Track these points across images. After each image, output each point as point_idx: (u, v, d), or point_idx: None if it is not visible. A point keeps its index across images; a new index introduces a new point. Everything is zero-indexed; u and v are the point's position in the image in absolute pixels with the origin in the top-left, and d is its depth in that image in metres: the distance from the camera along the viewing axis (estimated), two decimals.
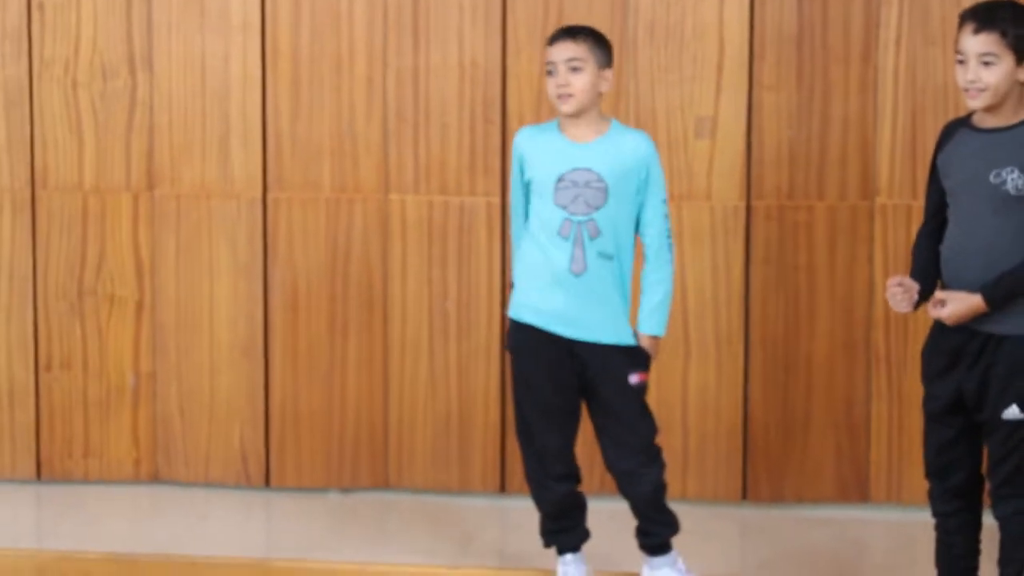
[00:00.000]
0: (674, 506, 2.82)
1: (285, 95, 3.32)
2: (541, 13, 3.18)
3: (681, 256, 3.17)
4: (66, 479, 3.52)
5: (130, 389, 3.48)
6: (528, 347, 2.66)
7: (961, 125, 2.47)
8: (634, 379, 2.66)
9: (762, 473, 3.27)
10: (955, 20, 2.40)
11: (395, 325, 3.34)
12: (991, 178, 2.37)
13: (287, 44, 3.30)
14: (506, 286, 2.98)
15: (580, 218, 2.62)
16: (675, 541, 2.74)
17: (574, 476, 2.76)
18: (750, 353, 3.22)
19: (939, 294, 2.43)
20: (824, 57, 3.18)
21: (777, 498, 3.27)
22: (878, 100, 3.16)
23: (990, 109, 2.39)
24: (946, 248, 2.45)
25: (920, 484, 2.63)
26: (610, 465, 2.72)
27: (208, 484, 3.48)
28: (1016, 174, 2.35)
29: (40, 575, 3.06)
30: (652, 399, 2.91)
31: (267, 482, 3.45)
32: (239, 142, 3.35)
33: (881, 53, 3.16)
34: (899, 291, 2.48)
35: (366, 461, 3.42)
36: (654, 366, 2.80)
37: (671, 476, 2.96)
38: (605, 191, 2.62)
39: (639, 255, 2.68)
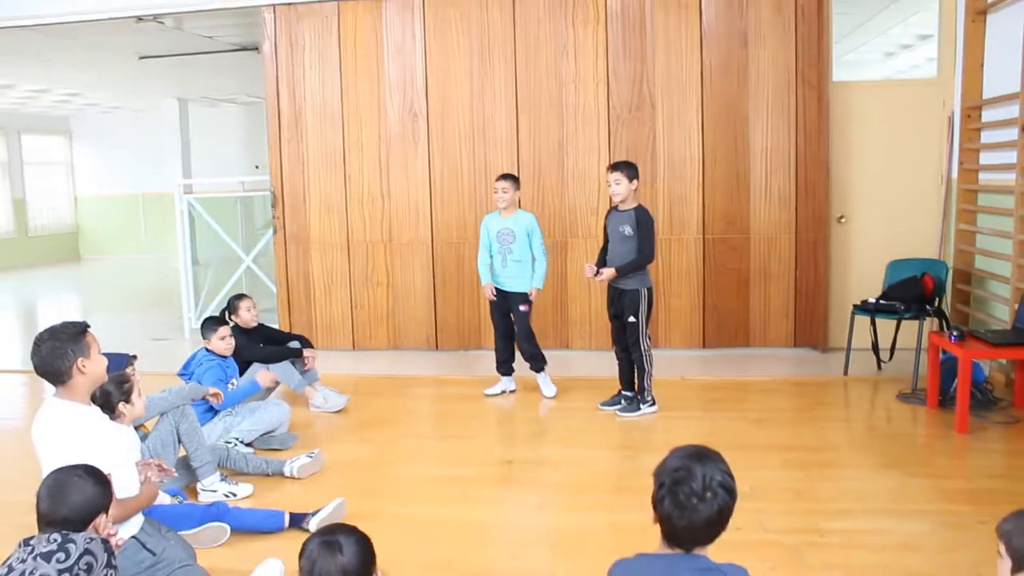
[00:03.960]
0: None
1: None
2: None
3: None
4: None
5: None
6: (494, 294, 5.61)
7: (614, 209, 5.15)
8: (523, 308, 5.56)
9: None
10: None
11: None
12: (619, 229, 5.07)
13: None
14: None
15: (505, 248, 5.54)
16: None
17: (507, 360, 5.73)
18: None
19: (603, 270, 5.09)
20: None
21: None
22: None
23: (623, 202, 5.06)
24: (608, 254, 5.18)
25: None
26: (516, 342, 5.66)
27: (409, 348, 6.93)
28: (627, 228, 5.00)
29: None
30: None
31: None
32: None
33: None
34: (587, 266, 5.05)
35: None
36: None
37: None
38: (515, 236, 5.53)
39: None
